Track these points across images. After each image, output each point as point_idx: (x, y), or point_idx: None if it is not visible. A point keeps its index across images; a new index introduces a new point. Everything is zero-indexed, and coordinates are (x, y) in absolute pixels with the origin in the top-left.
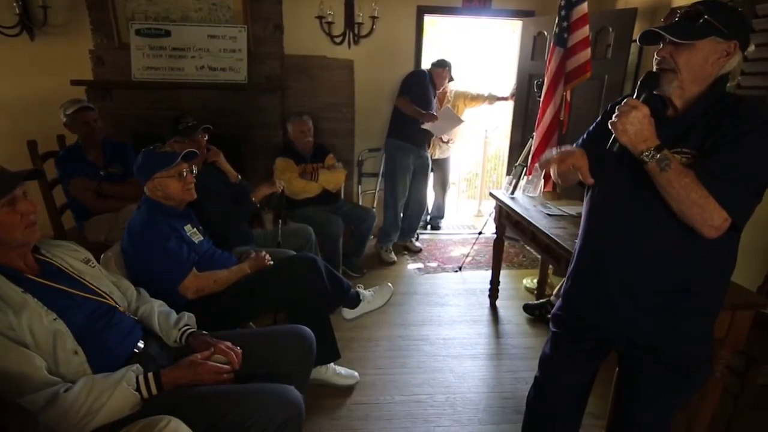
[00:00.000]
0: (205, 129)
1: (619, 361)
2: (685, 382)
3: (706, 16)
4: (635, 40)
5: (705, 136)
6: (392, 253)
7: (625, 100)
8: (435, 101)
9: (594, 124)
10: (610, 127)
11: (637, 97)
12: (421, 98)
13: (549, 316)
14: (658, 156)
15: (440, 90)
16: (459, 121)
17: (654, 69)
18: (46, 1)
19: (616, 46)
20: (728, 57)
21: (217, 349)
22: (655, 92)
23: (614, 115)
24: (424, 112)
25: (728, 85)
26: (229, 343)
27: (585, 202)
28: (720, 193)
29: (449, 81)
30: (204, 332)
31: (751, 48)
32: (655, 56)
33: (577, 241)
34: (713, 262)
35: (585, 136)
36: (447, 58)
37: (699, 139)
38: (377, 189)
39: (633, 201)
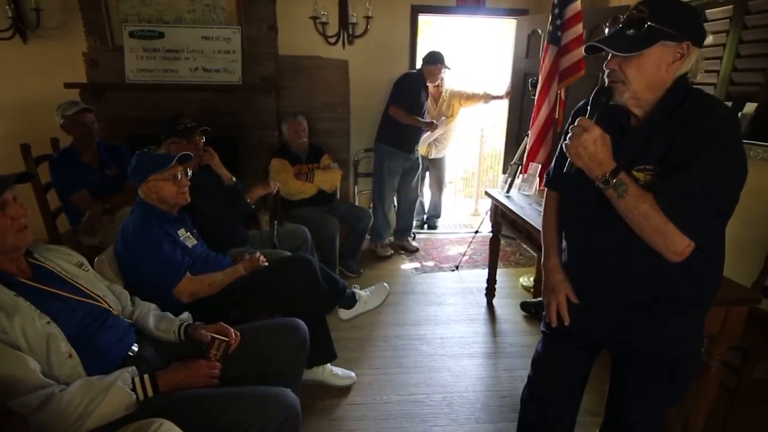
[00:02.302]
0: (203, 131)
1: (612, 359)
2: (673, 384)
3: (650, 22)
4: None
5: (667, 149)
6: (387, 247)
7: (577, 120)
8: (427, 103)
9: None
10: (564, 149)
11: (590, 116)
12: (413, 105)
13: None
14: (614, 181)
15: (435, 83)
16: (441, 130)
17: (605, 82)
18: (39, 4)
19: None
20: (682, 59)
21: (210, 330)
22: (612, 103)
23: (568, 137)
24: (426, 121)
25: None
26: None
27: (563, 214)
28: (680, 220)
29: (445, 70)
30: (199, 323)
31: (709, 39)
32: (604, 68)
33: (564, 247)
34: (691, 268)
35: (559, 149)
36: (439, 50)
37: (660, 151)
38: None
39: (602, 212)
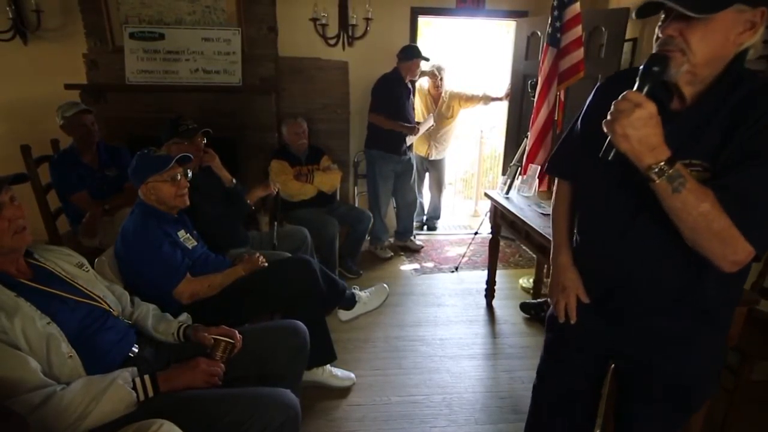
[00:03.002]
0: (204, 133)
1: (618, 380)
2: (686, 408)
3: None
4: (628, 40)
5: (722, 142)
6: (387, 249)
7: (623, 94)
8: (410, 100)
9: (578, 117)
10: (605, 128)
11: (639, 89)
12: (395, 108)
13: (545, 315)
14: (670, 172)
15: (415, 78)
16: (430, 122)
17: (655, 50)
18: (39, 5)
19: (609, 46)
20: (753, 30)
21: (212, 332)
22: (663, 78)
23: (610, 113)
24: (406, 125)
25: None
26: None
27: (577, 210)
28: (747, 223)
29: (421, 62)
30: (198, 324)
31: None
32: (658, 34)
33: (574, 244)
34: (722, 276)
35: (567, 132)
36: (414, 44)
37: (713, 145)
38: None
39: (634, 220)
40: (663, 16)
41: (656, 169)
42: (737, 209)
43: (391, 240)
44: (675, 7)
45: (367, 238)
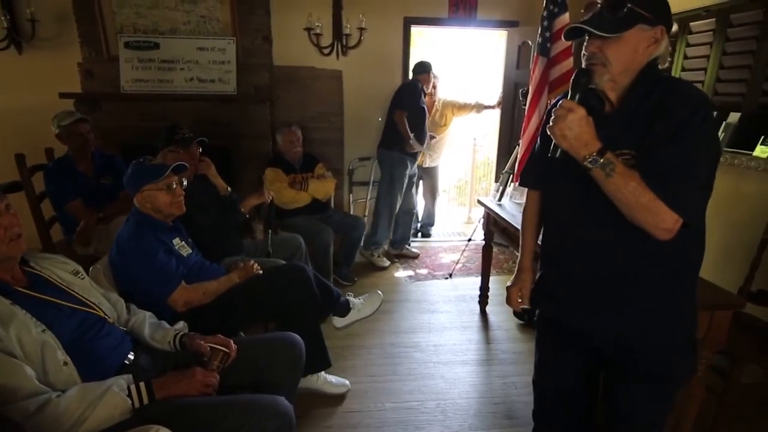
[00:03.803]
0: (200, 142)
1: (605, 377)
2: (668, 390)
3: (629, 5)
4: None
5: (644, 134)
6: (384, 257)
7: (559, 103)
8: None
9: (540, 135)
10: (548, 132)
11: (572, 97)
12: (417, 110)
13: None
14: (602, 161)
15: (428, 92)
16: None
17: (583, 65)
18: (34, 15)
19: None
20: (657, 44)
21: (208, 341)
22: (591, 86)
23: (551, 120)
24: (415, 144)
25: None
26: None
27: (545, 209)
28: (666, 194)
29: (435, 78)
30: (194, 333)
31: (675, 28)
32: (584, 52)
33: (541, 244)
34: (680, 263)
35: (533, 148)
36: (426, 60)
37: (637, 137)
38: (368, 197)
39: (584, 207)
40: (587, 37)
41: (590, 159)
42: (657, 183)
43: (385, 247)
44: (591, 30)
45: (362, 245)
